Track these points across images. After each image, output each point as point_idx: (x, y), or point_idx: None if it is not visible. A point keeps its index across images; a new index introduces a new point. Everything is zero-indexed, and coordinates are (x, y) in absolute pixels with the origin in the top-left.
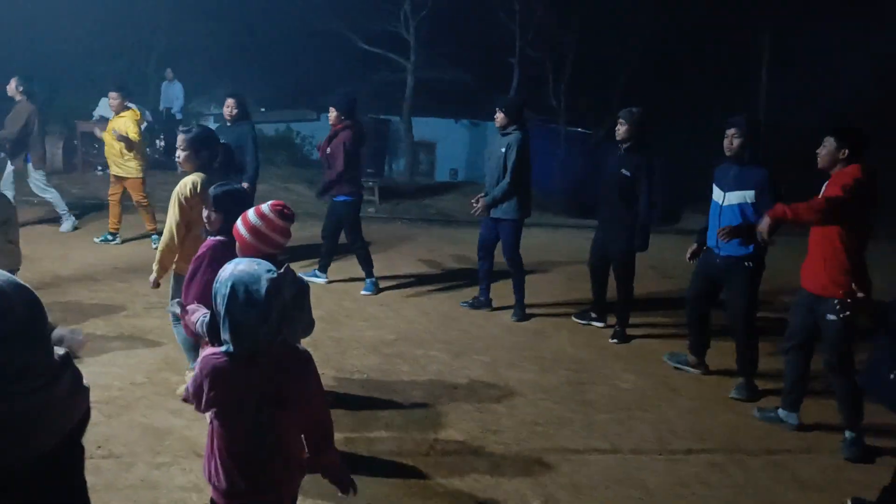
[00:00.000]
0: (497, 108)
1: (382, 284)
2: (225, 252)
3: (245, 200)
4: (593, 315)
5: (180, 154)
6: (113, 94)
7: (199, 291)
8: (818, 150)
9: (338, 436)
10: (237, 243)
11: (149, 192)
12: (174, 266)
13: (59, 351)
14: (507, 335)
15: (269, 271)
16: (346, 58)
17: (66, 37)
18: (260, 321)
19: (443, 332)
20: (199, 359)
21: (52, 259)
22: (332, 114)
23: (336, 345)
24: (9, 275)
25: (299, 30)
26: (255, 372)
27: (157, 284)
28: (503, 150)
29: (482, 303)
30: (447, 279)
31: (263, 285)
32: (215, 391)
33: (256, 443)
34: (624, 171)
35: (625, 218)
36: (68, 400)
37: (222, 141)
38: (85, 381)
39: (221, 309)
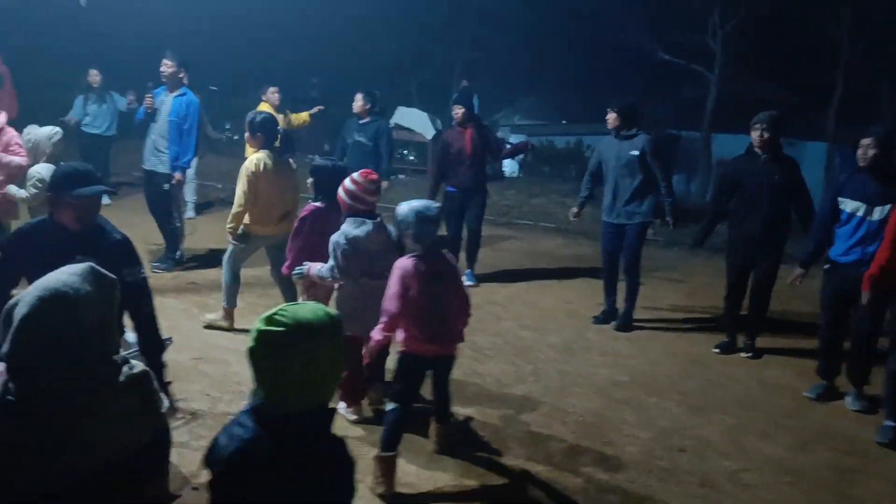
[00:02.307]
0: (609, 109)
1: (638, 315)
2: (320, 215)
3: (337, 174)
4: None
5: (246, 136)
6: (273, 89)
7: (301, 245)
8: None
9: (525, 492)
10: (341, 206)
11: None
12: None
13: (135, 369)
14: (765, 394)
15: (433, 202)
16: (645, 70)
17: (379, 51)
18: (430, 232)
19: (686, 379)
20: (397, 263)
21: None
22: (460, 111)
23: (560, 378)
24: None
25: (599, 42)
26: (430, 261)
27: (236, 238)
28: (635, 153)
29: (727, 345)
30: (710, 318)
31: (433, 209)
32: (416, 275)
33: (436, 303)
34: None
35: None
36: (126, 421)
37: (357, 138)
38: (165, 405)
39: (411, 230)
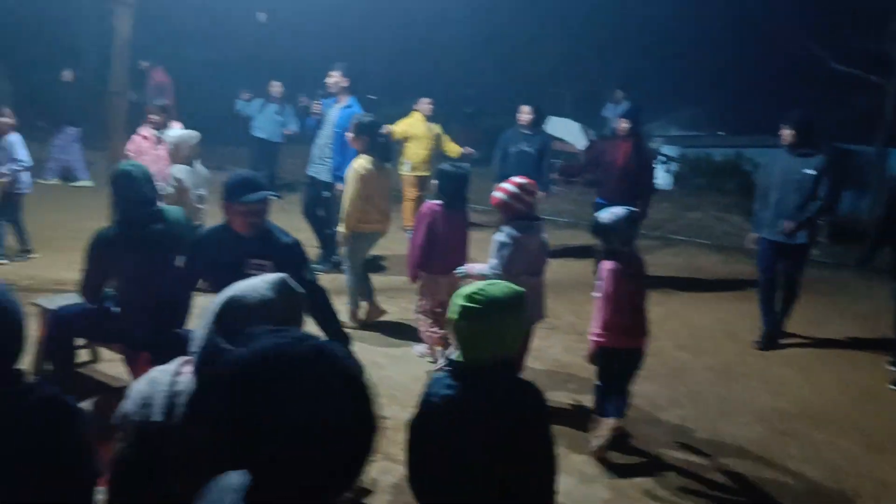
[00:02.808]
0: (784, 125)
1: (796, 340)
2: (437, 213)
3: (459, 178)
4: None
5: (349, 135)
6: (426, 100)
7: (422, 242)
8: None
9: None
10: (497, 206)
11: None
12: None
13: None
14: None
15: (631, 207)
16: (811, 79)
17: (536, 61)
18: (636, 233)
19: (860, 413)
20: (607, 266)
21: None
22: (626, 125)
23: (718, 404)
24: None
25: (763, 50)
26: (627, 262)
27: (345, 240)
28: (810, 172)
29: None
30: (884, 347)
31: (636, 213)
32: (625, 274)
33: (634, 299)
34: None
35: None
36: None
37: (523, 147)
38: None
39: (621, 233)
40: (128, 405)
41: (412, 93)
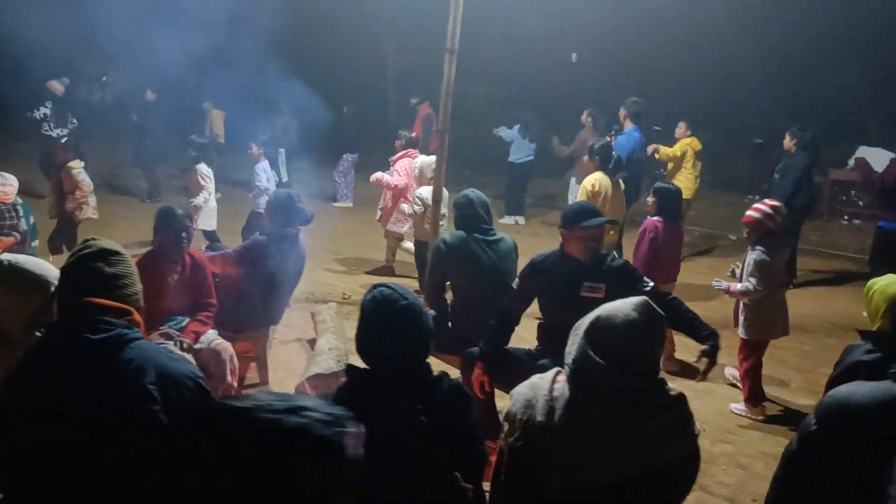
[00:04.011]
0: None
1: None
2: (658, 228)
3: (675, 195)
4: None
5: (585, 159)
6: (682, 124)
7: (644, 255)
8: None
9: None
10: (749, 223)
11: None
12: None
13: (672, 391)
14: None
15: None
16: None
17: (832, 86)
18: None
19: None
20: None
21: None
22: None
23: None
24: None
25: None
26: None
27: None
28: None
29: None
30: None
31: None
32: None
33: None
34: None
35: None
36: (659, 439)
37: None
38: (697, 428)
39: None
40: (514, 406)
41: (698, 125)
